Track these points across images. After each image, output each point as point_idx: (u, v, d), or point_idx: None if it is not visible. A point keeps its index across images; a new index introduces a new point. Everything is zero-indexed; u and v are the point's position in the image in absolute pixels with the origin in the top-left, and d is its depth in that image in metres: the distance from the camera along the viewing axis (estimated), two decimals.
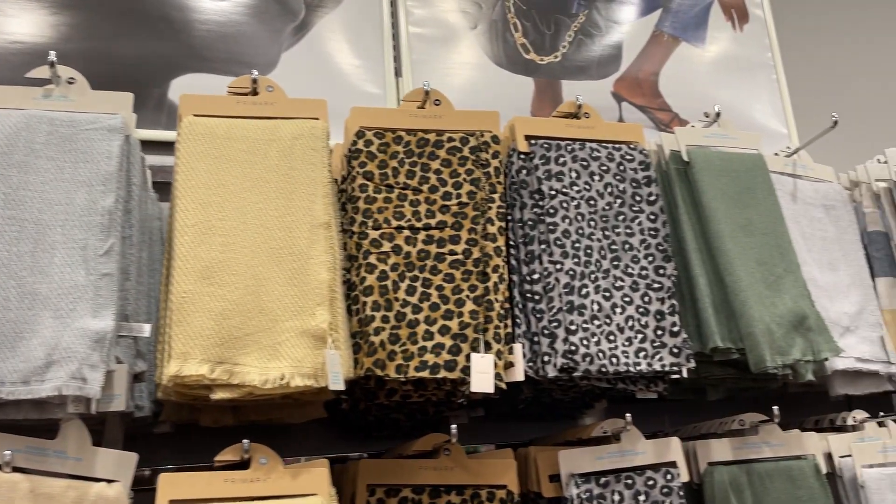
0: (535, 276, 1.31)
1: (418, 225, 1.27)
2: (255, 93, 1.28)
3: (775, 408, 1.38)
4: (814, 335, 1.42)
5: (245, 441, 1.10)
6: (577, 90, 1.90)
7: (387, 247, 1.24)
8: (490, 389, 1.17)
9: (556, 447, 1.34)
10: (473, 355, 1.18)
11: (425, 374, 1.16)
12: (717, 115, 1.57)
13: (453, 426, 1.21)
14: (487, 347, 1.20)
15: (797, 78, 2.18)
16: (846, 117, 2.20)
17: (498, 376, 1.19)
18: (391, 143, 1.32)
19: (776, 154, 1.76)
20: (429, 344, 1.18)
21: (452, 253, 1.26)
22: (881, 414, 1.50)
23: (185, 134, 1.19)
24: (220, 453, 1.11)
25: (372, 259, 1.22)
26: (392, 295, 1.20)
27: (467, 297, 1.22)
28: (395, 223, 1.26)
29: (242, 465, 1.11)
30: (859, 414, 1.55)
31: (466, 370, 1.17)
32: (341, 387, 1.09)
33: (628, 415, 1.29)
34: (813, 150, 1.98)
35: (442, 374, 1.16)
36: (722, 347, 1.36)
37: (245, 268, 1.13)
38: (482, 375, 1.17)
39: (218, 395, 1.07)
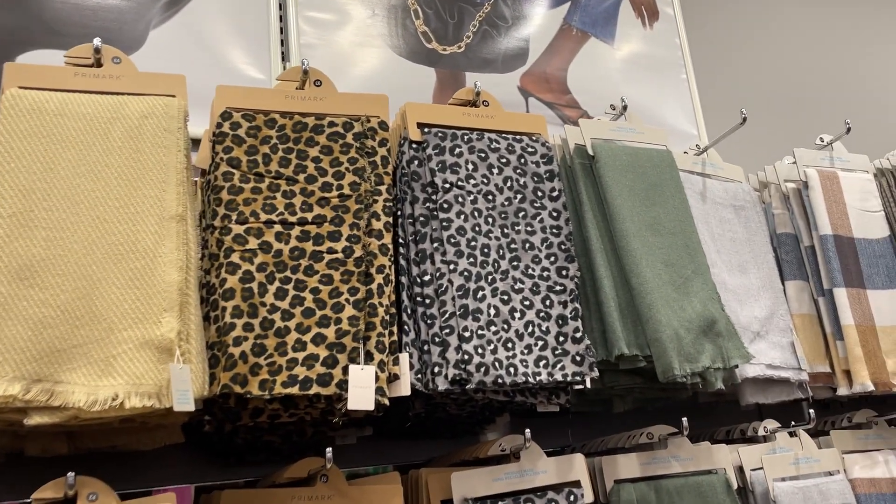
0: (426, 278, 1.17)
1: (292, 219, 1.11)
2: (98, 64, 1.10)
3: (684, 419, 1.28)
4: (724, 341, 1.34)
5: (70, 474, 0.91)
6: (483, 83, 1.78)
7: (253, 244, 1.08)
8: (370, 406, 1.02)
9: (450, 468, 1.21)
10: (352, 367, 1.03)
11: (294, 390, 1.00)
12: (624, 108, 1.48)
13: (328, 450, 1.06)
14: (369, 358, 1.06)
15: (707, 78, 2.13)
16: (757, 118, 2.17)
17: (380, 391, 1.04)
18: (263, 126, 1.16)
19: (685, 153, 1.68)
20: (300, 355, 1.03)
21: (331, 251, 1.11)
22: (792, 424, 1.44)
23: (7, 109, 1.00)
24: (39, 489, 0.92)
25: (234, 258, 1.06)
26: (258, 299, 1.05)
27: (347, 301, 1.07)
28: (264, 217, 1.10)
29: (68, 501, 0.93)
30: (770, 424, 1.48)
31: (343, 385, 1.02)
32: (190, 407, 0.92)
33: (527, 430, 1.17)
34: (724, 152, 1.93)
35: (314, 389, 1.01)
36: (628, 355, 1.25)
37: (75, 267, 0.94)
38: (361, 390, 1.02)
39: (34, 420, 0.88)
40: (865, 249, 1.65)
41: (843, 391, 1.55)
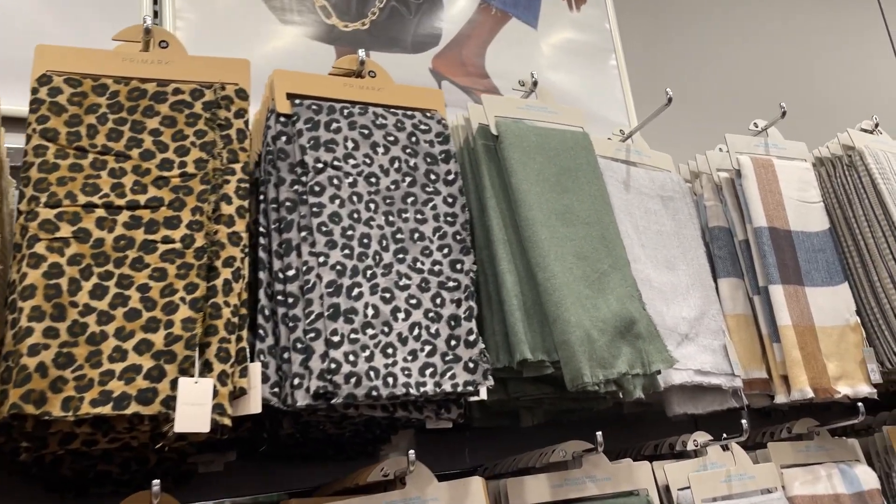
0: (291, 273, 0.99)
1: (119, 202, 0.92)
2: None
3: (598, 434, 1.12)
4: (644, 343, 1.18)
5: None
6: (388, 65, 1.61)
7: (66, 231, 0.88)
8: (203, 428, 0.83)
9: (324, 499, 1.02)
10: (182, 381, 0.84)
11: (106, 409, 0.81)
12: (534, 84, 1.33)
13: (155, 482, 0.86)
14: (206, 369, 0.87)
15: (639, 64, 1.99)
16: (693, 106, 2.04)
17: (218, 408, 0.85)
18: (90, 92, 0.97)
19: (609, 139, 1.53)
20: (118, 367, 0.84)
21: (167, 240, 0.92)
22: (724, 436, 1.29)
23: None
24: None
25: (39, 248, 0.86)
26: (67, 298, 0.85)
27: (182, 300, 0.89)
28: (83, 199, 0.91)
29: None
30: (701, 437, 1.32)
31: (171, 402, 0.83)
32: None
33: (411, 452, 0.99)
34: (655, 141, 1.79)
35: (132, 409, 0.82)
36: (532, 360, 1.09)
37: None
38: (193, 409, 0.83)
39: None
40: (804, 243, 1.51)
41: (780, 399, 1.41)
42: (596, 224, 1.25)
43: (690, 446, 1.31)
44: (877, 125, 1.68)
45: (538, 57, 1.85)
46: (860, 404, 1.37)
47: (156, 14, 1.45)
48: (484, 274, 1.17)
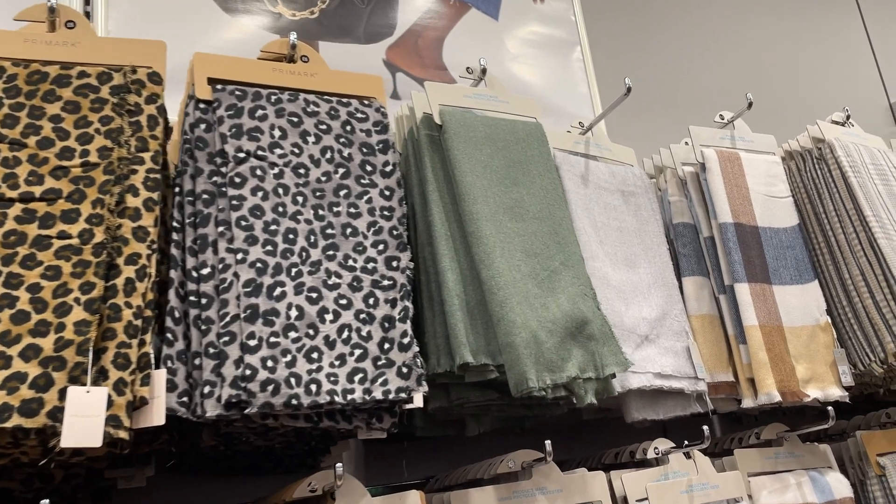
0: (205, 271, 0.91)
1: (11, 194, 0.84)
2: None
3: (548, 443, 1.04)
4: (597, 345, 1.11)
5: None
6: (338, 56, 1.54)
7: None
8: (94, 442, 0.75)
9: None
10: (72, 390, 0.76)
11: None
12: (483, 71, 1.25)
13: (44, 502, 0.78)
14: (102, 377, 0.79)
15: (605, 58, 1.93)
16: (660, 100, 1.98)
17: (113, 420, 0.77)
18: None
19: (569, 132, 1.46)
20: (0, 375, 0.75)
21: (63, 236, 0.84)
22: (685, 443, 1.22)
23: None
24: None
25: None
26: None
27: (77, 300, 0.80)
28: None
29: None
30: (662, 444, 1.25)
31: (58, 413, 0.75)
32: None
33: (339, 465, 0.91)
34: (621, 136, 1.73)
35: (13, 421, 0.74)
36: (474, 364, 1.01)
37: None
38: (83, 421, 0.75)
39: None
40: (771, 239, 1.45)
41: (747, 403, 1.34)
42: (548, 219, 1.18)
43: (651, 454, 1.24)
44: (848, 117, 1.62)
45: (500, 49, 1.78)
46: (830, 408, 1.30)
47: (87, 2, 1.37)
48: (426, 273, 1.10)
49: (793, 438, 1.41)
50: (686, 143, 1.55)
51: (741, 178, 1.47)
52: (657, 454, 1.24)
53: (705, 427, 1.18)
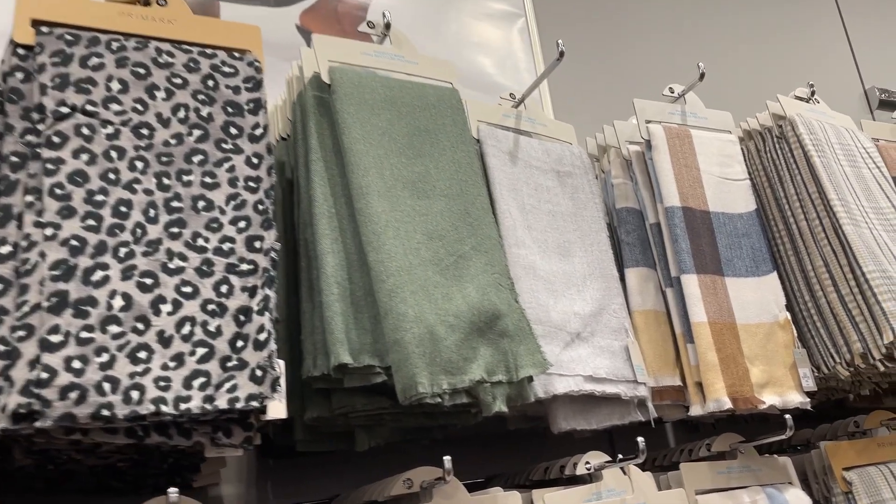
0: (5, 250, 0.73)
1: None
2: None
3: (447, 458, 0.87)
4: (511, 343, 0.94)
5: None
6: (243, 19, 1.37)
7: None
8: None
9: None
10: None
11: None
12: (387, 26, 1.08)
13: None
14: None
15: (551, 29, 1.76)
16: (609, 75, 1.81)
17: None
18: None
19: (499, 104, 1.30)
20: None
21: None
22: (619, 457, 1.05)
23: None
24: None
25: None
26: None
27: None
28: None
29: None
30: (595, 457, 1.08)
31: None
32: None
33: (172, 491, 0.73)
34: (566, 114, 1.57)
35: None
36: (354, 366, 0.84)
37: None
38: None
39: None
40: (725, 226, 1.29)
41: (695, 410, 1.18)
42: (458, 197, 1.01)
43: (581, 469, 1.07)
44: (813, 93, 1.47)
45: (431, 15, 1.62)
46: (788, 417, 1.14)
47: None
48: (307, 258, 0.92)
49: (749, 450, 1.24)
50: (634, 121, 1.39)
51: (691, 158, 1.31)
52: (589, 470, 1.08)
53: (640, 439, 1.01)
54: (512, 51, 1.69)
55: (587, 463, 1.07)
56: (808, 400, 1.20)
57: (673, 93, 1.38)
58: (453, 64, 1.12)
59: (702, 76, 1.34)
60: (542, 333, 1.05)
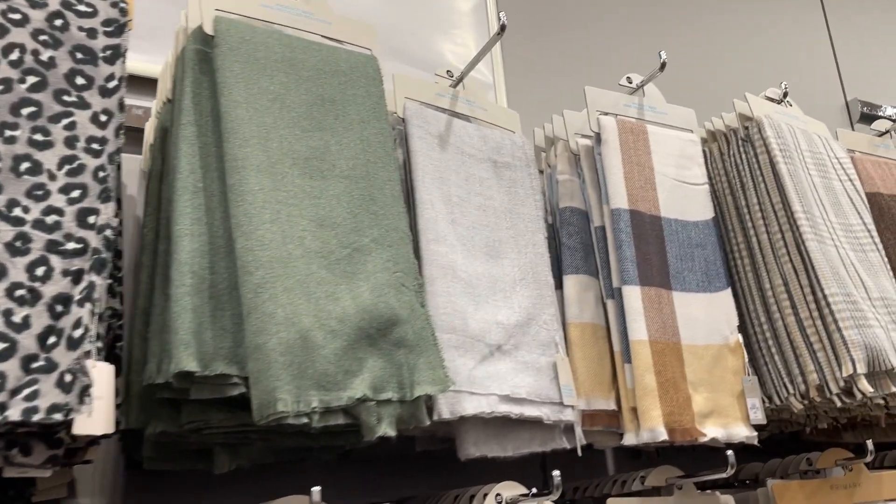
0: None
1: None
2: None
3: (315, 490, 0.73)
4: (408, 355, 0.80)
5: None
6: None
7: None
8: None
9: None
10: None
11: None
12: None
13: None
14: None
15: (511, 10, 1.62)
16: (572, 62, 1.67)
17: None
18: None
19: (436, 82, 1.15)
20: None
21: None
22: (532, 491, 0.91)
23: None
24: None
25: None
26: None
27: None
28: None
29: None
30: (508, 489, 0.94)
31: None
32: None
33: (556, 472, 0.58)
34: (521, 104, 1.43)
35: None
36: (202, 374, 0.69)
37: None
38: None
39: None
40: (677, 234, 1.15)
41: (629, 439, 1.04)
42: (362, 180, 0.87)
43: (491, 501, 0.93)
44: (786, 94, 1.34)
45: None
46: (730, 453, 1.01)
47: None
48: (167, 240, 0.77)
49: (687, 486, 1.11)
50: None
51: (645, 156, 1.17)
52: (499, 502, 0.94)
53: (556, 473, 0.87)
54: (463, 27, 1.54)
55: (498, 495, 0.94)
56: (756, 434, 1.07)
57: (631, 83, 1.24)
58: (373, 28, 0.97)
59: (663, 66, 1.20)
60: (454, 344, 0.92)
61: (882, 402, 1.07)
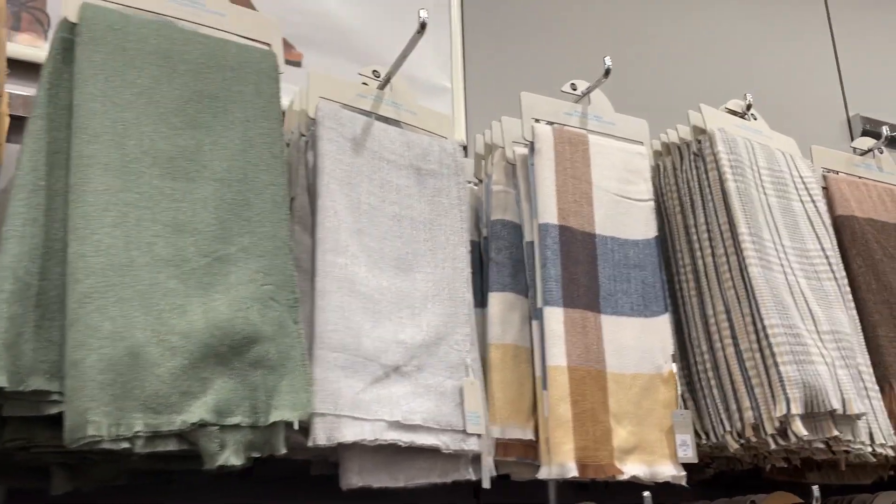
0: None
1: None
2: None
3: None
4: (268, 376, 0.73)
5: None
6: None
7: None
8: None
9: None
10: None
11: None
12: None
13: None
14: None
15: (474, 13, 1.55)
16: (533, 67, 1.58)
17: None
18: None
19: (364, 83, 1.09)
20: None
21: None
22: None
23: None
24: None
25: None
26: None
27: None
28: None
29: None
30: None
31: None
32: None
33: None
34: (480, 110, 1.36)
35: None
36: (13, 390, 0.63)
37: None
38: None
39: None
40: (612, 253, 1.07)
41: (543, 472, 0.96)
42: (238, 184, 0.80)
43: None
44: (749, 106, 1.25)
45: None
46: (647, 494, 0.92)
47: None
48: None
49: None
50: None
51: (583, 169, 1.09)
52: None
53: None
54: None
55: None
56: (684, 474, 0.99)
57: (576, 90, 1.17)
58: (274, 21, 0.91)
59: (607, 72, 1.12)
60: (342, 364, 0.85)
61: (823, 445, 0.98)
